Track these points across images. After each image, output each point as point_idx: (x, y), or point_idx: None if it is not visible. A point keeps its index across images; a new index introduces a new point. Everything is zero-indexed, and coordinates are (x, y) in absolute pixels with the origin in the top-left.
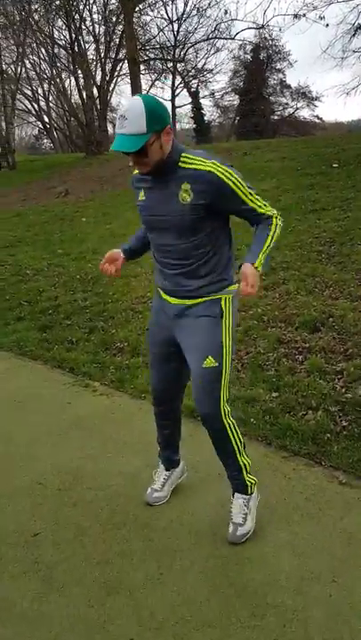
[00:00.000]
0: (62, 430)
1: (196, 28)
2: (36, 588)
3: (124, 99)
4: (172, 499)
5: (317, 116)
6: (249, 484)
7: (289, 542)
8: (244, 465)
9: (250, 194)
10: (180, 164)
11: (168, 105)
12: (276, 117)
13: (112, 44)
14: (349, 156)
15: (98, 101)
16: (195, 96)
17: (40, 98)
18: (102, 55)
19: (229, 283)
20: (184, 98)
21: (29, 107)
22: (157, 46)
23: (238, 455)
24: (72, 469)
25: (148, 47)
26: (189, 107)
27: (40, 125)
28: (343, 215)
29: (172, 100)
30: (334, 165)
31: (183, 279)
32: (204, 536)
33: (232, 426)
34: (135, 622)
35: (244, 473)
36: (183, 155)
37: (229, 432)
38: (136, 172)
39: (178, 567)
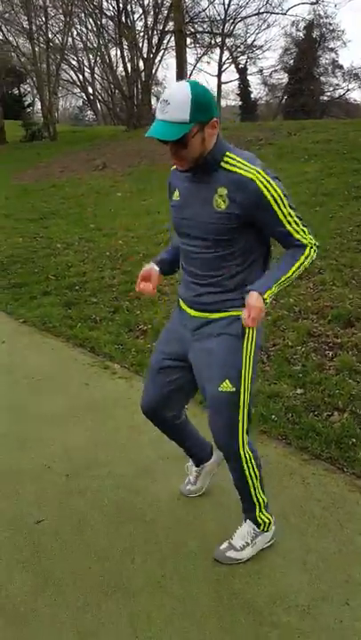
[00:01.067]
0: (77, 413)
1: (247, 2)
2: (32, 582)
3: (169, 72)
4: (181, 495)
5: None
6: (261, 522)
7: (301, 557)
8: (259, 503)
9: (289, 214)
10: (222, 163)
11: (214, 80)
12: (325, 98)
13: (160, 15)
14: None
15: (142, 74)
16: (242, 72)
17: (85, 69)
18: (150, 27)
19: None
20: (231, 74)
21: (74, 77)
22: (206, 20)
23: (253, 491)
24: (82, 455)
25: (196, 20)
26: (236, 83)
27: (84, 97)
28: None
29: (219, 76)
30: None
31: (207, 291)
32: (211, 539)
33: (248, 459)
34: (130, 631)
35: (257, 511)
36: (227, 154)
37: (244, 465)
38: (174, 167)
39: (181, 572)
